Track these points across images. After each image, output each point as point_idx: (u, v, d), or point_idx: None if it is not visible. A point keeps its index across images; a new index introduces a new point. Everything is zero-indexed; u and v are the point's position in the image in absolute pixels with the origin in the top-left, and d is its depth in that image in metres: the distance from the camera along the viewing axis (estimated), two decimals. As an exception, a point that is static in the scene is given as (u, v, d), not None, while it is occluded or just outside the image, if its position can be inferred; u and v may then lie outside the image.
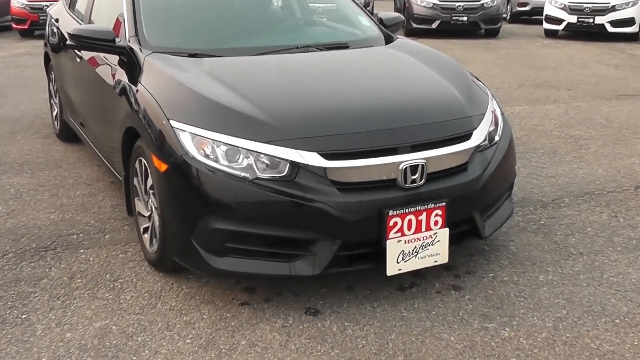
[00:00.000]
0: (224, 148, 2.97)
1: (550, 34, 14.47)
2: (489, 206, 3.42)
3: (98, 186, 4.74)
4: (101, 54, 4.08)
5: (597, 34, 13.93)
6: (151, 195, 3.32)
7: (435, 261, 3.14)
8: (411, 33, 14.37)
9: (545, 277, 3.42)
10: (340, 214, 2.91)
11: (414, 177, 3.04)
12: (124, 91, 3.63)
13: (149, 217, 3.42)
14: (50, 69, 5.96)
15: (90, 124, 4.56)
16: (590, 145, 5.83)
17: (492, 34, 14.70)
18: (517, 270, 3.48)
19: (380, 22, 4.60)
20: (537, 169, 5.16)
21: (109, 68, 3.95)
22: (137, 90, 3.45)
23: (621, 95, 8.03)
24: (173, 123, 3.08)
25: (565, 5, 13.95)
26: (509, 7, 18.13)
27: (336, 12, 4.88)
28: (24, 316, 3.06)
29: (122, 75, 3.71)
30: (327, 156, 2.94)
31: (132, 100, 3.47)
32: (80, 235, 3.93)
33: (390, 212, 2.96)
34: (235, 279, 3.32)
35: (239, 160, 2.95)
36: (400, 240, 3.01)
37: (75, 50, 4.60)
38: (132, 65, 3.67)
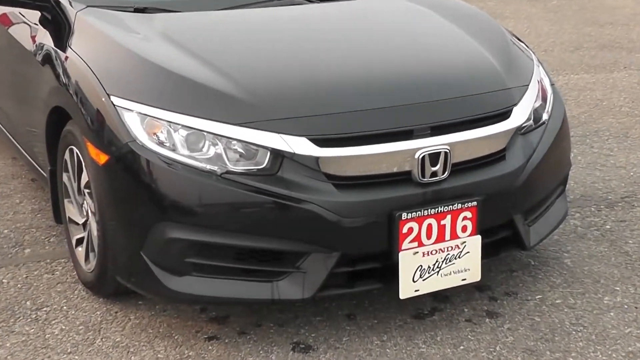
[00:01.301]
0: (183, 132, 3.02)
1: (619, -24, 14.53)
2: (535, 207, 3.49)
3: (14, 185, 4.78)
4: (16, 9, 4.12)
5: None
6: (87, 195, 3.37)
7: (464, 279, 3.20)
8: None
9: (613, 299, 3.49)
10: (338, 218, 2.96)
11: (434, 169, 3.09)
12: (48, 59, 3.68)
13: (84, 224, 3.47)
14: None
15: (3, 104, 4.60)
16: (672, 126, 5.90)
17: (541, -22, 14.74)
18: (573, 291, 3.55)
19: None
20: (600, 157, 5.21)
21: (28, 28, 4.00)
22: (67, 58, 3.50)
23: None
24: (115, 100, 3.13)
25: None
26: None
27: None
28: None
29: (46, 38, 3.76)
30: (320, 142, 2.99)
31: (60, 70, 3.52)
32: (-8, 251, 3.98)
33: (404, 216, 3.02)
34: (200, 305, 3.37)
35: (204, 149, 3.01)
36: (417, 252, 3.07)
37: (-19, 5, 4.64)
38: (59, 24, 3.72)
